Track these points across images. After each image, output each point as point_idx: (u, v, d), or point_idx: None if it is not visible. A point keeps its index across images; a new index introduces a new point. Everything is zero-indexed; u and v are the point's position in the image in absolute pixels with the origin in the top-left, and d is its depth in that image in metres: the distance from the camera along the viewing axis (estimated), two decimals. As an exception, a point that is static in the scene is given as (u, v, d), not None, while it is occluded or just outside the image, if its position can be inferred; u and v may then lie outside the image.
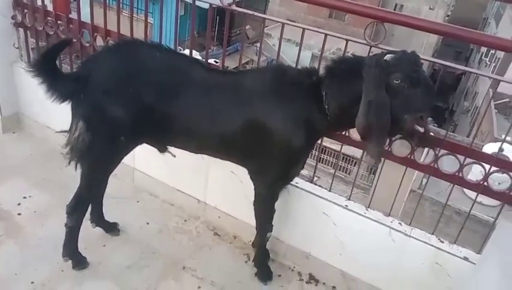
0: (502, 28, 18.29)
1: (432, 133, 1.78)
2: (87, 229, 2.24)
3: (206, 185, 2.55)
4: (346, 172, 12.62)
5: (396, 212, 2.41)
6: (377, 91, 1.64)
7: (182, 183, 2.65)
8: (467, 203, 2.53)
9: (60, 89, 1.75)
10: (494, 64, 17.59)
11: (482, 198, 1.98)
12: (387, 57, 1.66)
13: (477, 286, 1.64)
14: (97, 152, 1.85)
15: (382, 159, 1.95)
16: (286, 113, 1.82)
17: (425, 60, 1.87)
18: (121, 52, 1.91)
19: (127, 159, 2.05)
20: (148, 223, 2.55)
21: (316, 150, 2.24)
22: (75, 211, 2.01)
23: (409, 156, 1.99)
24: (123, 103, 1.79)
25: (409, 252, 2.08)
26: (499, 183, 2.03)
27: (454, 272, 1.99)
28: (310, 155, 2.08)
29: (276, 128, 1.82)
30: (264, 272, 2.29)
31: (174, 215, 2.64)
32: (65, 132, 1.87)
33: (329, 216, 2.21)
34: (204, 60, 2.37)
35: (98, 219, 2.35)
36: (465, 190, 2.27)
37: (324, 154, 12.13)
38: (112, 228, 2.41)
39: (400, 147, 1.95)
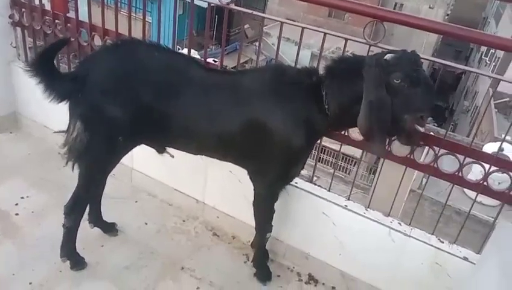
0: (502, 27, 18.31)
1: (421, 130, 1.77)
2: (85, 230, 2.24)
3: (204, 185, 2.55)
4: (345, 172, 12.62)
5: (396, 212, 2.40)
6: (377, 91, 1.64)
7: (181, 183, 2.64)
8: (467, 203, 2.52)
9: (58, 89, 1.74)
10: (494, 63, 17.60)
11: (482, 198, 1.98)
12: (388, 56, 1.66)
13: (477, 285, 1.64)
14: (95, 152, 1.84)
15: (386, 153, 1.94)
16: (286, 113, 1.81)
17: (425, 59, 1.86)
18: (119, 52, 1.90)
19: (125, 159, 2.04)
20: (146, 224, 2.54)
21: (315, 150, 2.23)
22: (73, 211, 2.00)
23: (408, 156, 1.98)
24: (121, 103, 1.78)
25: (408, 252, 2.07)
26: (499, 183, 2.02)
27: (454, 272, 1.98)
28: (309, 155, 2.07)
29: (276, 128, 1.81)
30: (263, 273, 2.28)
31: (173, 216, 2.63)
32: (63, 132, 1.86)
33: (329, 216, 2.20)
34: (203, 59, 2.36)
35: (96, 219, 2.34)
36: (465, 189, 2.26)
37: (323, 154, 12.13)
38: (110, 228, 2.40)
39: (400, 146, 1.94)
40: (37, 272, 2.12)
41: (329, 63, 1.82)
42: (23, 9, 2.81)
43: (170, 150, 2.05)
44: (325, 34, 2.05)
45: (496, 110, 13.45)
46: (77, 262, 2.15)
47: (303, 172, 2.23)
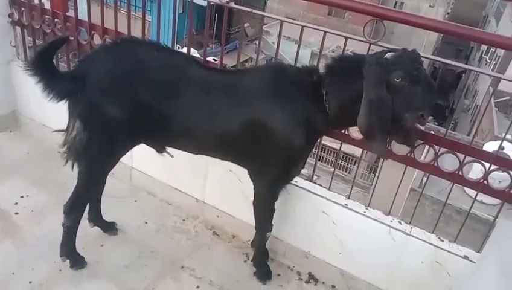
0: (502, 26, 18.28)
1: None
2: (85, 229, 2.24)
3: (204, 184, 2.54)
4: (346, 171, 12.61)
5: (397, 211, 2.40)
6: (377, 89, 1.64)
7: (180, 182, 2.64)
8: (467, 202, 2.51)
9: (57, 88, 1.74)
10: (494, 62, 17.57)
11: (482, 197, 1.97)
12: (388, 55, 1.65)
13: (477, 284, 1.63)
14: (94, 152, 1.84)
15: (386, 154, 1.94)
16: (286, 112, 1.81)
17: (426, 58, 1.85)
18: (118, 51, 1.89)
19: (124, 158, 2.04)
20: (146, 223, 2.54)
21: (315, 149, 2.22)
22: (73, 210, 2.00)
23: (409, 155, 1.98)
24: (120, 102, 1.77)
25: (408, 251, 2.07)
26: (499, 182, 2.02)
27: (454, 271, 1.98)
28: (309, 154, 2.07)
29: (276, 128, 1.80)
30: (263, 272, 2.28)
31: (172, 215, 2.63)
32: (62, 131, 1.86)
33: (329, 215, 2.20)
34: (202, 58, 2.35)
35: (96, 218, 2.33)
36: (465, 188, 2.26)
37: (324, 152, 12.12)
38: (109, 228, 2.40)
39: (400, 145, 1.94)
40: (36, 271, 2.12)
41: (330, 61, 1.81)
42: (22, 8, 2.80)
43: (170, 149, 2.05)
44: (325, 32, 2.04)
45: (497, 108, 13.43)
46: (77, 261, 2.15)
47: (303, 171, 2.23)
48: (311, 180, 2.30)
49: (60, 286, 2.08)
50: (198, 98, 1.83)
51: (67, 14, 2.66)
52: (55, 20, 2.66)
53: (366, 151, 2.18)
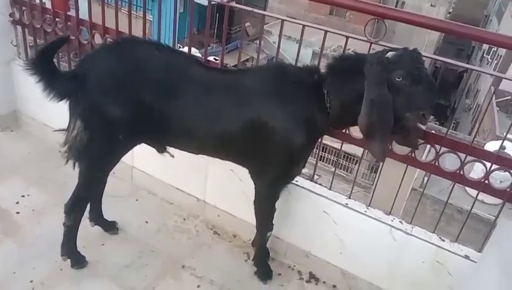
0: (504, 25, 18.24)
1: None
2: (86, 228, 2.23)
3: (205, 184, 2.54)
4: (347, 170, 12.60)
5: (398, 210, 2.40)
6: (378, 89, 1.63)
7: (181, 181, 2.64)
8: (468, 201, 2.51)
9: (57, 87, 1.74)
10: (496, 61, 17.53)
11: (483, 196, 1.97)
12: (389, 54, 1.65)
13: (478, 284, 1.63)
14: (95, 151, 1.84)
15: (385, 157, 1.93)
16: (287, 112, 1.81)
17: (427, 57, 1.85)
18: (119, 51, 1.89)
19: (125, 157, 2.04)
20: (147, 222, 2.54)
21: (316, 148, 2.22)
22: (73, 210, 2.00)
23: (410, 154, 1.97)
24: (121, 102, 1.77)
25: (409, 251, 2.06)
26: (501, 182, 2.01)
27: (455, 271, 1.98)
28: (310, 154, 2.06)
29: (277, 127, 1.80)
30: (263, 271, 2.28)
31: (173, 214, 2.63)
32: (63, 130, 1.86)
33: (330, 215, 2.19)
34: (203, 57, 2.35)
35: (97, 218, 2.33)
36: (467, 188, 2.26)
37: (325, 152, 12.11)
38: (110, 227, 2.40)
39: (401, 145, 1.93)
40: (37, 271, 2.12)
41: (331, 61, 1.81)
42: (23, 8, 2.80)
43: (171, 149, 2.04)
44: (326, 32, 2.04)
45: (498, 108, 13.41)
46: (78, 260, 2.15)
47: (304, 170, 2.23)
48: (312, 180, 2.29)
49: (60, 285, 2.08)
50: (199, 98, 1.83)
51: (68, 13, 2.67)
52: (56, 19, 2.66)
53: (367, 151, 2.17)
